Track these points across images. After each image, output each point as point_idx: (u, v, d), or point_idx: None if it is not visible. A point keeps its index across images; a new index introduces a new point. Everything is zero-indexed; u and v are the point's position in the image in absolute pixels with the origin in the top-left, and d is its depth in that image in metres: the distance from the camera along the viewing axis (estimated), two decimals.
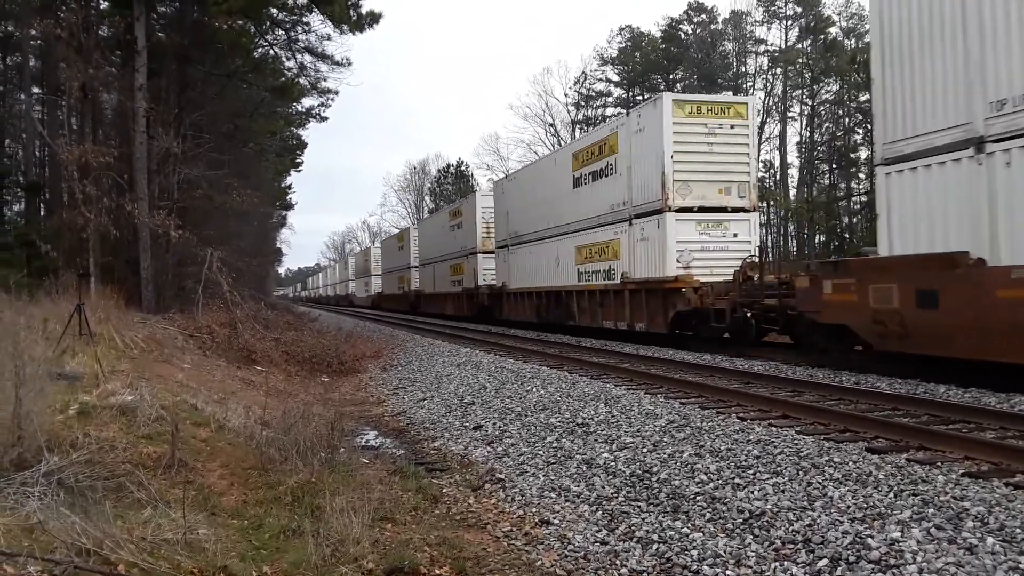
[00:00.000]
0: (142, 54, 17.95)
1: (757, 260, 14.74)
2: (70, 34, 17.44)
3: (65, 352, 9.35)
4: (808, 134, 55.84)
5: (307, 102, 29.79)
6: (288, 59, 24.56)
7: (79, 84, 18.01)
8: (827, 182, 54.12)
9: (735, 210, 16.67)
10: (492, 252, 29.10)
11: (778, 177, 57.05)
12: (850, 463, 6.01)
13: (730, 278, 14.89)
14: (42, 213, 25.54)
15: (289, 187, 50.63)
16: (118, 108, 20.55)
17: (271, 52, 24.25)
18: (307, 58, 24.46)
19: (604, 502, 5.88)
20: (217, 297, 17.57)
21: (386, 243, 56.91)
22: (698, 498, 5.66)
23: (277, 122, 31.73)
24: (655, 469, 6.45)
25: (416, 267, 42.44)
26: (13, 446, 5.16)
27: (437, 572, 4.60)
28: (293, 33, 23.41)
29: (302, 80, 25.32)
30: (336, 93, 27.71)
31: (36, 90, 26.51)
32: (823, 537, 4.66)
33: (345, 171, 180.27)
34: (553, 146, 61.50)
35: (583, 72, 65.16)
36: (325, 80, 26.06)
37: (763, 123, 55.66)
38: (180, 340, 14.46)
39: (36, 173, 26.55)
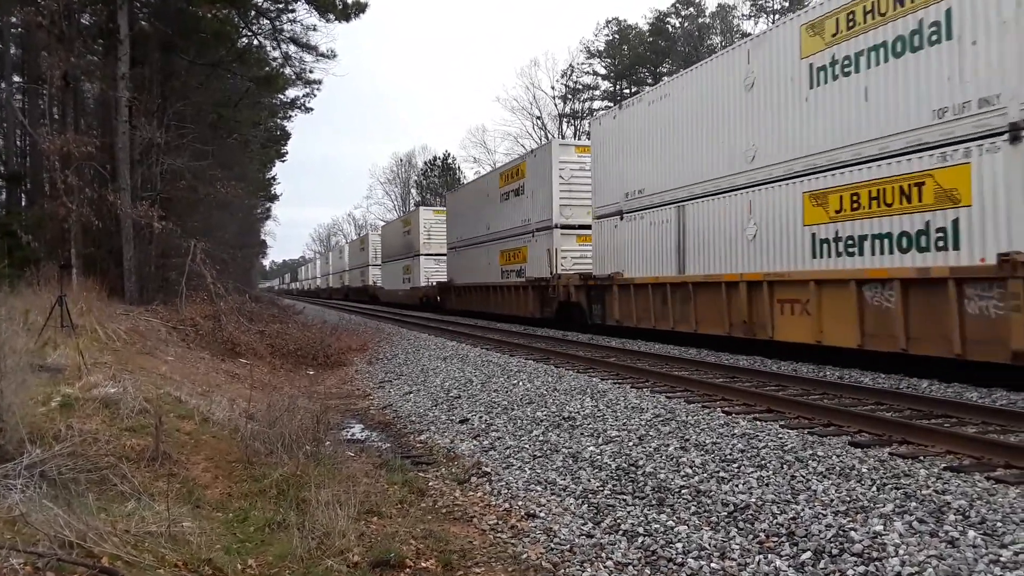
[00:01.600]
0: (125, 43, 17.75)
1: None
2: (51, 22, 17.22)
3: (47, 344, 9.27)
4: None
5: (292, 93, 29.68)
6: (273, 49, 24.42)
7: (61, 73, 17.80)
8: None
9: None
10: None
11: None
12: (834, 457, 6.06)
13: None
14: (23, 203, 25.23)
15: (273, 179, 50.40)
16: (100, 97, 20.34)
17: (256, 42, 24.10)
18: (292, 48, 24.33)
19: (590, 495, 5.90)
20: (201, 289, 17.46)
21: (461, 196, 34.05)
22: (683, 491, 5.69)
23: (261, 113, 31.54)
24: (641, 463, 6.48)
25: (568, 228, 21.62)
26: None
27: (423, 565, 4.60)
28: (278, 22, 23.26)
29: (287, 70, 25.19)
30: (320, 83, 27.53)
31: (17, 79, 26.17)
32: (807, 530, 4.70)
33: (330, 163, 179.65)
34: (540, 139, 61.51)
35: (570, 65, 65.16)
36: (311, 71, 25.95)
37: None
38: (163, 332, 14.36)
39: (17, 163, 26.24)
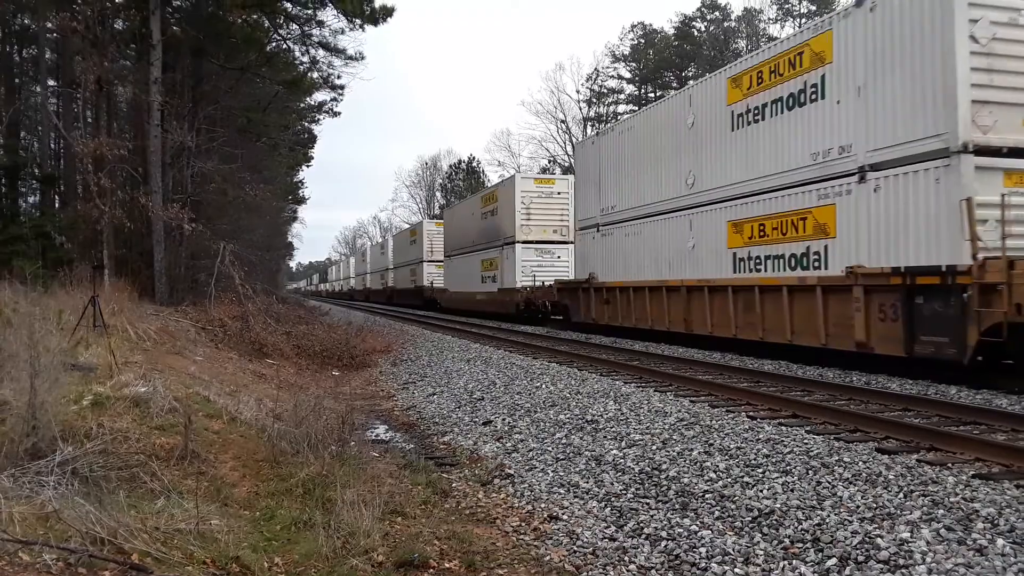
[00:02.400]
0: (157, 48, 18.04)
1: None
2: (86, 27, 17.56)
3: (79, 343, 9.43)
4: None
5: (319, 96, 29.96)
6: (302, 53, 24.69)
7: (94, 77, 18.13)
8: None
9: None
10: None
11: None
12: (860, 463, 6.01)
13: None
14: (57, 205, 25.71)
15: (301, 182, 50.78)
16: (133, 101, 20.68)
17: (284, 46, 24.37)
18: (320, 52, 24.58)
19: (613, 499, 5.90)
20: (229, 290, 17.68)
21: (620, 137, 20.06)
22: (707, 496, 5.67)
23: (290, 116, 31.85)
24: (664, 466, 6.46)
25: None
26: (28, 435, 5.21)
27: (447, 566, 4.63)
28: (307, 28, 23.50)
29: (314, 74, 25.45)
30: (345, 87, 27.76)
31: (52, 83, 26.68)
32: (832, 536, 4.66)
33: (356, 166, 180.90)
34: (564, 144, 61.48)
35: (595, 69, 65.04)
36: (339, 77, 26.21)
37: None
38: (192, 332, 14.55)
39: (51, 165, 26.72)
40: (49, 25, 23.19)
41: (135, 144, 18.65)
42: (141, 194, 17.54)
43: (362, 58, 25.17)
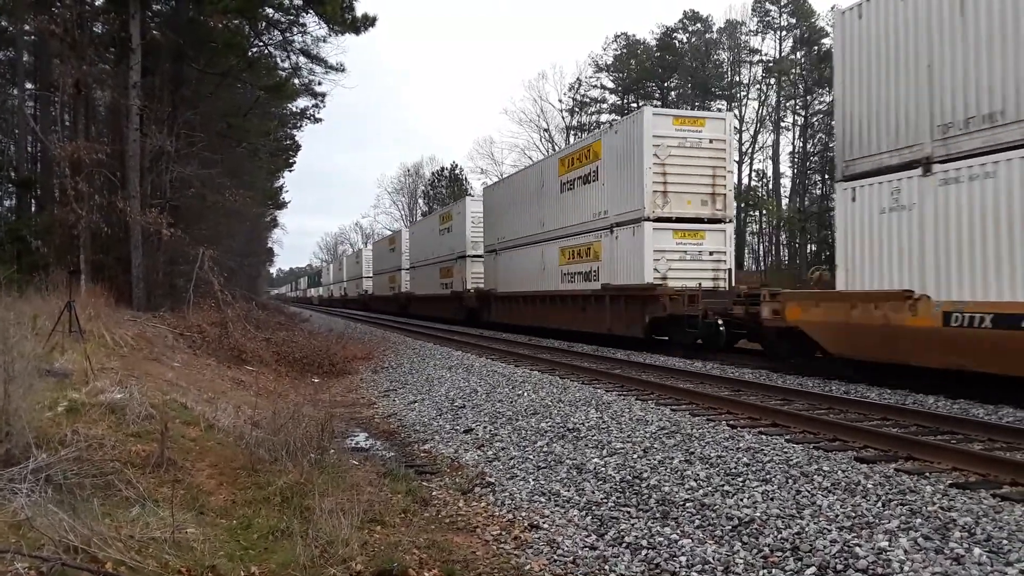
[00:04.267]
0: (136, 51, 17.88)
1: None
2: (64, 30, 17.37)
3: (55, 349, 9.30)
4: (801, 145, 56.27)
5: (301, 103, 29.80)
6: (283, 59, 24.55)
7: (73, 80, 17.94)
8: (819, 192, 54.30)
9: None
10: None
11: (771, 187, 57.56)
12: (839, 472, 6.04)
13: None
14: (33, 209, 25.39)
15: (282, 187, 50.48)
16: (111, 105, 20.45)
17: (266, 52, 24.21)
18: (302, 59, 24.45)
19: (594, 507, 5.89)
20: (208, 296, 17.51)
21: None
22: (687, 504, 5.68)
23: (271, 122, 31.66)
24: (645, 475, 6.46)
25: None
26: (1, 442, 5.12)
27: (426, 575, 4.60)
28: (288, 34, 23.38)
29: (296, 81, 25.30)
30: (326, 95, 27.60)
31: (29, 86, 26.37)
32: (811, 545, 4.68)
33: (338, 173, 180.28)
34: (548, 151, 61.48)
35: (578, 78, 65.28)
36: (320, 84, 26.07)
37: (756, 133, 56.13)
38: (170, 339, 14.39)
39: (28, 169, 26.39)
40: (27, 27, 22.96)
41: (113, 148, 18.44)
42: (119, 199, 17.33)
43: (343, 69, 25.07)
